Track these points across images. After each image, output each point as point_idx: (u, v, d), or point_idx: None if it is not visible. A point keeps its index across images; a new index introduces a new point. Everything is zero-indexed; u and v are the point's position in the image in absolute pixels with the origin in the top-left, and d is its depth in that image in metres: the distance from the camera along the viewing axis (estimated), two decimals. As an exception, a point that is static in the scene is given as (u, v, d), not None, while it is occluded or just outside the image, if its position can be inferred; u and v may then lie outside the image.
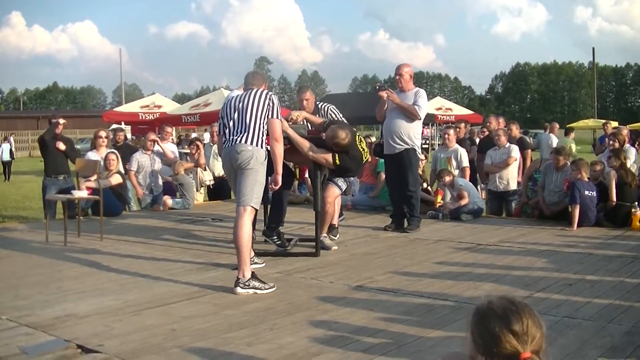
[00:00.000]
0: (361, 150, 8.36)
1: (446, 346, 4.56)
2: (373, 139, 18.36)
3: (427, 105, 10.16)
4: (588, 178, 9.93)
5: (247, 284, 6.25)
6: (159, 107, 28.81)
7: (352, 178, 9.14)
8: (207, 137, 28.48)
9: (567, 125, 23.38)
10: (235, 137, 6.67)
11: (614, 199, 9.84)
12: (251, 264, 6.60)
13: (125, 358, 4.46)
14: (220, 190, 14.25)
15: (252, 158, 6.53)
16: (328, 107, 9.28)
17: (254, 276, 6.33)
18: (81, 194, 9.89)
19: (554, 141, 20.34)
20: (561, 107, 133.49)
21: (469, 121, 18.54)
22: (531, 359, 2.33)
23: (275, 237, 8.35)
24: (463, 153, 12.34)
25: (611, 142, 11.42)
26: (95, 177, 10.54)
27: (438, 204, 11.40)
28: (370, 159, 9.20)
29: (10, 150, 33.80)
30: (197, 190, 13.82)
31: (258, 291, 6.25)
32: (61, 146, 11.75)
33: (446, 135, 12.77)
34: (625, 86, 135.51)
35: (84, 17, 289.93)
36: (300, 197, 13.35)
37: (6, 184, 28.06)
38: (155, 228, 10.47)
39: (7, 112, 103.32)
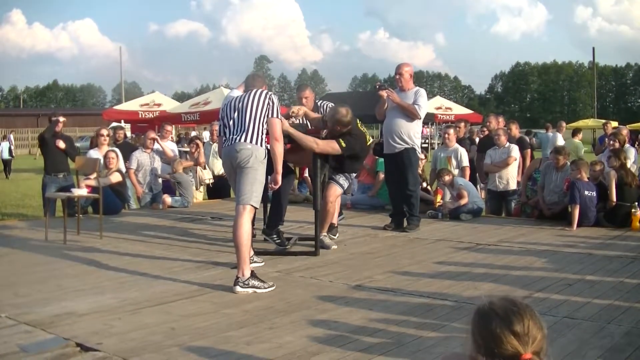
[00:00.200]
0: (362, 131, 8.40)
1: (445, 346, 4.55)
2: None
3: (427, 105, 10.16)
4: (588, 178, 9.92)
5: (246, 282, 6.25)
6: (159, 105, 28.85)
7: (353, 175, 9.13)
8: (206, 135, 28.51)
9: (568, 125, 23.27)
10: (235, 136, 6.67)
11: (614, 199, 9.83)
12: (250, 263, 6.59)
13: (124, 356, 4.45)
14: (219, 188, 14.25)
15: (251, 156, 6.53)
16: (327, 105, 9.27)
17: (253, 275, 6.33)
18: (81, 192, 9.89)
19: (560, 140, 20.31)
20: (561, 106, 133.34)
21: (468, 120, 18.53)
22: (532, 360, 2.32)
23: (274, 236, 8.35)
24: (463, 152, 12.33)
25: (611, 142, 11.41)
26: (94, 175, 10.53)
27: (438, 204, 11.40)
28: (371, 141, 9.20)
29: (10, 148, 33.79)
30: (196, 189, 13.82)
31: (257, 290, 6.24)
32: (61, 144, 11.75)
33: (446, 135, 12.76)
34: (625, 86, 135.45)
35: (84, 15, 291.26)
36: (300, 196, 13.34)
37: (6, 182, 28.03)
38: (154, 226, 10.47)
39: (7, 109, 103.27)
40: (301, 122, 8.92)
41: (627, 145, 12.43)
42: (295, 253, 8.21)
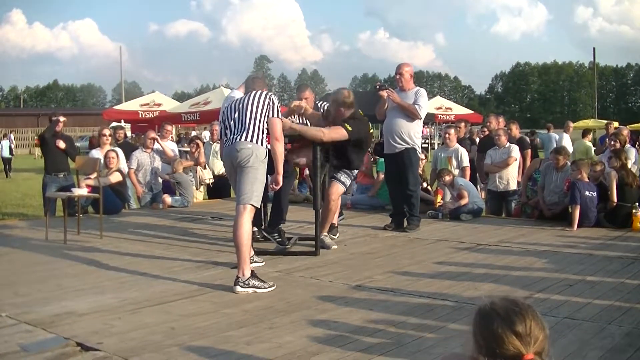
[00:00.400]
0: (364, 116, 8.46)
1: (445, 346, 4.55)
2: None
3: (427, 105, 10.16)
4: (588, 178, 9.92)
5: (246, 282, 6.25)
6: (159, 105, 28.88)
7: (355, 172, 9.13)
8: (206, 135, 28.52)
9: (570, 125, 23.20)
10: (235, 136, 6.68)
11: (615, 199, 9.83)
12: (251, 263, 6.59)
13: (125, 356, 4.45)
14: (220, 188, 14.25)
15: (251, 155, 6.52)
16: (327, 105, 9.27)
17: (253, 275, 6.33)
18: (81, 191, 9.90)
19: (567, 140, 20.27)
20: (561, 107, 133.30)
21: (469, 121, 18.52)
22: (534, 361, 2.32)
23: (276, 235, 8.35)
24: (463, 153, 12.33)
25: (612, 143, 11.42)
26: (95, 175, 10.53)
27: (438, 204, 11.40)
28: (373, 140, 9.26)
29: (10, 146, 33.83)
30: (196, 189, 13.82)
31: (257, 290, 6.24)
32: (61, 144, 11.76)
33: (447, 135, 12.76)
34: (625, 86, 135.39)
35: (84, 15, 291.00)
36: (300, 196, 13.34)
37: (6, 181, 28.04)
38: (154, 226, 10.47)
39: (7, 109, 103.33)
40: (301, 121, 8.92)
41: (627, 145, 12.44)
42: (296, 253, 8.21)
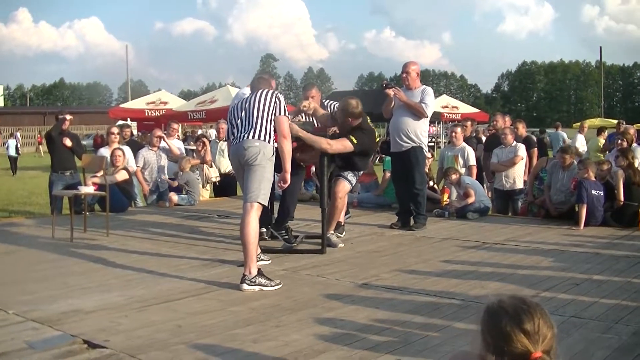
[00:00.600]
0: (371, 126, 8.44)
1: (452, 345, 4.55)
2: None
3: (433, 103, 10.13)
4: (595, 177, 9.90)
5: (253, 280, 6.25)
6: (165, 103, 28.86)
7: (360, 172, 9.13)
8: (212, 133, 28.54)
9: (575, 125, 23.24)
10: (242, 134, 6.68)
11: (622, 198, 9.80)
12: (257, 261, 6.59)
13: (131, 353, 4.46)
14: (226, 186, 14.26)
15: (259, 153, 6.52)
16: (334, 105, 9.27)
17: (260, 273, 6.33)
18: (87, 189, 9.91)
19: (581, 140, 20.24)
20: (567, 106, 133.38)
21: (475, 119, 18.49)
22: (542, 359, 2.32)
23: (283, 232, 8.35)
24: (470, 151, 12.31)
25: (619, 142, 11.40)
26: (101, 173, 10.54)
27: (444, 203, 11.39)
28: (379, 139, 9.23)
29: (17, 145, 33.89)
30: (203, 187, 13.81)
31: (264, 288, 6.24)
32: (67, 142, 11.77)
33: (453, 134, 12.74)
34: (632, 85, 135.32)
35: (90, 14, 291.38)
36: (307, 195, 13.33)
37: (12, 180, 28.09)
38: (161, 224, 10.48)
39: (14, 108, 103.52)
40: (308, 119, 8.93)
41: (634, 144, 12.41)
42: (302, 251, 8.21)
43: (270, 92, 6.90)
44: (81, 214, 10.02)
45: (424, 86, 9.92)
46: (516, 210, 11.83)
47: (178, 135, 16.97)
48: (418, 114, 9.62)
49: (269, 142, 6.64)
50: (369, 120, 8.60)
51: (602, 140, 18.58)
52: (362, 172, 9.39)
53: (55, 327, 5.07)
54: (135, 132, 24.77)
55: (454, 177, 11.23)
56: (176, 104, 29.17)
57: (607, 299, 5.82)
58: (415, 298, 5.96)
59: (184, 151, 14.29)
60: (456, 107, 35.76)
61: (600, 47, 78.56)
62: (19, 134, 42.46)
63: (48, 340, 4.76)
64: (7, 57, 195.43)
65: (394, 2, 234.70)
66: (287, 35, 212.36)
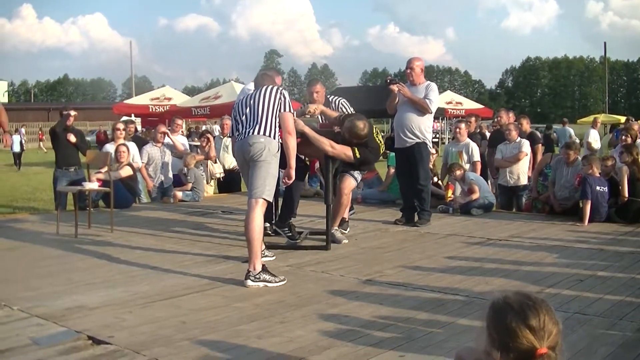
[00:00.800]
0: (378, 142, 8.40)
1: (456, 341, 4.54)
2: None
3: (438, 99, 10.12)
4: (599, 173, 9.89)
5: (257, 276, 6.25)
6: (169, 99, 28.90)
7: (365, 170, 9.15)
8: (216, 129, 28.55)
9: (580, 120, 23.24)
10: (247, 130, 6.67)
11: (626, 194, 9.79)
12: (262, 257, 6.59)
13: (136, 350, 4.46)
14: (230, 182, 14.26)
15: (264, 150, 6.52)
16: (339, 101, 9.26)
17: (264, 269, 6.33)
18: (92, 185, 9.91)
19: (595, 136, 20.21)
20: (572, 101, 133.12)
21: (479, 115, 18.47)
22: (547, 355, 2.31)
23: (286, 229, 8.36)
24: (474, 147, 12.30)
25: (623, 138, 11.38)
26: (105, 169, 10.55)
27: (449, 198, 11.38)
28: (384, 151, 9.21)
29: (21, 141, 33.95)
30: (207, 183, 13.81)
31: (268, 284, 6.25)
32: (72, 138, 11.78)
33: (457, 129, 12.73)
34: (636, 81, 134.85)
35: (94, 10, 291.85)
36: (311, 191, 13.32)
37: (17, 176, 28.13)
38: (165, 220, 10.48)
39: (18, 103, 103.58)
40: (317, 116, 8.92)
41: (639, 140, 12.37)
42: (306, 247, 8.21)
43: (275, 88, 6.90)
44: (85, 210, 10.02)
45: (428, 82, 9.91)
46: (520, 206, 11.82)
47: (182, 131, 16.97)
48: (422, 109, 9.61)
49: (274, 138, 6.64)
50: (375, 133, 8.54)
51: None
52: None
53: (59, 323, 5.08)
54: (139, 128, 24.81)
55: (458, 172, 11.22)
56: (180, 99, 29.21)
57: (611, 295, 5.82)
58: (419, 294, 5.97)
59: (188, 147, 14.29)
60: (460, 103, 35.80)
61: (605, 43, 78.30)
62: (23, 130, 42.55)
63: (53, 336, 4.76)
64: (11, 53, 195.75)
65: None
66: (291, 31, 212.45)
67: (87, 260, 7.57)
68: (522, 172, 11.74)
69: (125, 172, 11.71)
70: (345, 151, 8.11)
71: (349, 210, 9.50)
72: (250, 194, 6.56)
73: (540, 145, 13.08)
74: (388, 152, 11.61)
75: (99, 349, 4.51)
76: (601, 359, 4.29)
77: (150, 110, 28.56)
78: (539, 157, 12.34)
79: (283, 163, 6.89)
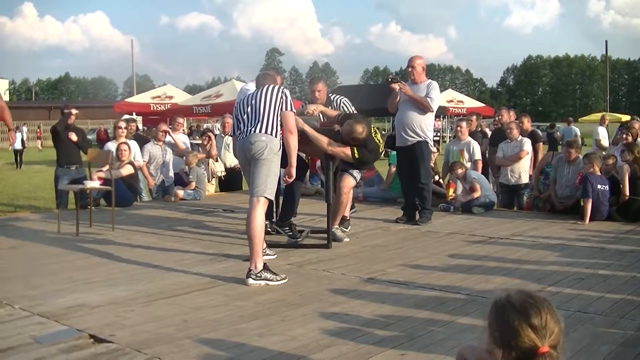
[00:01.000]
0: (377, 141, 8.40)
1: (457, 339, 4.55)
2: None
3: (439, 98, 10.12)
4: (600, 172, 9.89)
5: (258, 275, 6.25)
6: (170, 97, 28.92)
7: (364, 170, 9.15)
8: (217, 127, 28.56)
9: (581, 119, 23.22)
10: (249, 128, 6.68)
11: (627, 193, 9.79)
12: (263, 255, 6.59)
13: (137, 348, 4.46)
14: (231, 181, 14.27)
15: (265, 148, 6.53)
16: (341, 100, 9.25)
17: (265, 267, 6.33)
18: (93, 184, 9.91)
19: (603, 133, 20.19)
20: (573, 100, 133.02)
21: (480, 114, 18.46)
22: (549, 354, 2.32)
23: (287, 228, 8.36)
24: (476, 146, 12.30)
25: (624, 136, 11.38)
26: (107, 167, 10.55)
27: (450, 197, 11.37)
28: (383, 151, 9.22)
29: (22, 139, 33.95)
30: (208, 182, 13.82)
31: (269, 282, 6.25)
32: (73, 137, 11.78)
33: (459, 128, 12.74)
34: (637, 80, 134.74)
35: (95, 8, 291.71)
36: (311, 189, 13.33)
37: (18, 174, 28.15)
38: (166, 219, 10.49)
39: (20, 102, 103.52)
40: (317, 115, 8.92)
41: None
42: (308, 246, 8.21)
43: (277, 87, 6.91)
44: (87, 208, 10.02)
45: (430, 80, 9.90)
46: (521, 205, 11.82)
47: (183, 130, 16.98)
48: (424, 108, 9.61)
49: (276, 136, 6.64)
50: (374, 133, 8.53)
51: None
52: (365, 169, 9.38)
53: (61, 322, 5.08)
54: (140, 126, 24.82)
55: (460, 171, 11.22)
56: (181, 98, 29.22)
57: (612, 294, 5.82)
58: (420, 292, 5.97)
59: (189, 145, 14.30)
60: (461, 102, 35.77)
61: (606, 41, 78.01)
62: (24, 128, 42.57)
63: (54, 335, 4.77)
64: (13, 52, 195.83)
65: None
66: (293, 30, 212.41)
67: (89, 258, 7.57)
68: (523, 171, 11.74)
69: (127, 170, 11.72)
70: (344, 150, 8.12)
71: (350, 209, 9.51)
72: (252, 192, 6.56)
73: (541, 143, 13.08)
74: (389, 150, 11.61)
75: (100, 348, 4.51)
76: (602, 357, 4.29)
77: (152, 108, 28.57)
78: (540, 155, 12.33)
79: (284, 162, 6.89)
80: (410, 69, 9.91)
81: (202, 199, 12.84)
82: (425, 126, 9.71)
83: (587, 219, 9.61)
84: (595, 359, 4.26)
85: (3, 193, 19.71)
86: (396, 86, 9.65)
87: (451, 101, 34.73)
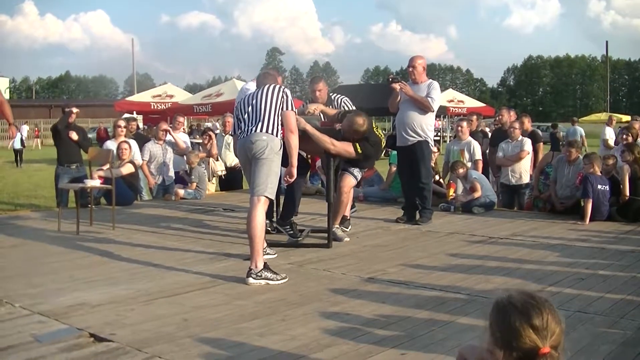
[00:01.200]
0: (378, 135, 8.41)
1: (458, 339, 4.55)
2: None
3: (440, 98, 10.12)
4: (601, 172, 9.89)
5: (259, 274, 6.26)
6: (171, 96, 28.92)
7: (365, 169, 9.16)
8: (217, 125, 28.57)
9: (581, 119, 23.22)
10: (250, 127, 6.68)
11: (627, 193, 9.79)
12: (263, 255, 6.59)
13: (138, 347, 4.47)
14: (232, 180, 14.27)
15: (266, 147, 6.53)
16: (342, 99, 9.27)
17: (266, 267, 6.34)
18: (93, 183, 9.92)
19: (610, 133, 20.19)
20: (573, 100, 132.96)
21: (481, 114, 18.46)
22: (550, 355, 2.32)
23: (287, 227, 8.36)
24: (476, 145, 12.30)
25: (624, 137, 11.38)
26: (107, 166, 10.55)
27: (450, 197, 11.37)
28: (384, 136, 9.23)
29: (21, 138, 33.95)
30: (209, 181, 13.82)
31: (270, 282, 6.25)
32: (74, 136, 11.79)
33: (459, 128, 12.74)
34: (638, 80, 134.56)
35: (96, 7, 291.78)
36: (312, 188, 13.33)
37: (18, 172, 28.14)
38: (167, 218, 10.49)
39: (20, 100, 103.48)
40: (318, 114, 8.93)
41: (640, 139, 12.37)
42: (308, 245, 8.21)
43: (278, 86, 6.91)
44: (87, 207, 10.02)
45: (431, 80, 9.90)
46: (522, 205, 11.81)
47: (183, 129, 16.99)
48: (424, 108, 9.61)
49: (277, 136, 6.65)
50: (375, 127, 8.55)
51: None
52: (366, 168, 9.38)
53: (61, 321, 5.09)
54: (141, 125, 24.82)
55: (461, 170, 11.22)
56: (182, 97, 29.22)
57: (612, 294, 5.82)
58: (420, 292, 5.97)
59: (189, 145, 14.29)
60: (462, 101, 35.82)
61: (607, 42, 78.05)
62: (24, 127, 42.57)
63: (54, 334, 4.77)
64: (13, 50, 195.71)
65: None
66: (293, 29, 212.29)
67: (89, 257, 7.58)
68: (524, 171, 11.74)
69: (127, 169, 11.72)
70: (346, 148, 8.13)
71: (351, 208, 9.51)
72: (253, 191, 6.57)
73: (541, 143, 13.07)
74: (390, 150, 11.60)
75: (100, 347, 4.52)
76: (602, 357, 4.30)
77: (152, 107, 28.57)
78: (540, 155, 12.32)
79: (285, 161, 6.90)
80: (411, 69, 9.91)
81: (202, 198, 12.84)
82: (425, 126, 9.71)
83: (587, 219, 9.62)
84: (595, 359, 4.26)
85: (3, 191, 19.71)
86: (397, 86, 9.66)
87: (452, 101, 34.77)
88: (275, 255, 7.48)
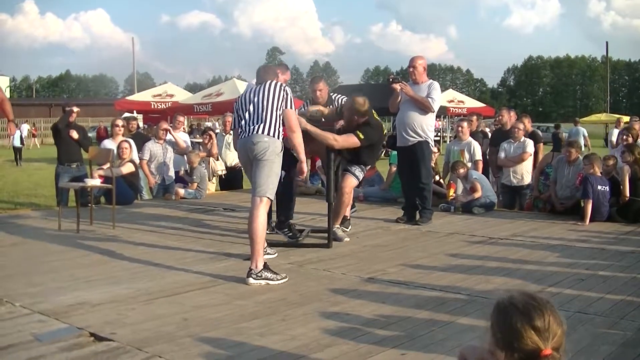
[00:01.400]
0: (378, 120, 8.44)
1: (458, 339, 4.55)
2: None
3: (440, 98, 10.12)
4: (601, 172, 9.89)
5: (259, 274, 6.26)
6: (171, 96, 28.94)
7: (367, 167, 9.16)
8: (217, 125, 28.57)
9: (581, 120, 23.24)
10: (251, 127, 6.66)
11: (627, 194, 9.79)
12: (263, 255, 6.59)
13: (138, 346, 4.47)
14: (232, 180, 14.27)
15: (268, 149, 6.52)
16: (342, 99, 9.27)
17: (266, 267, 6.34)
18: (94, 182, 9.92)
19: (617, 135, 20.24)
20: (573, 101, 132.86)
21: (481, 114, 18.46)
22: (552, 356, 2.32)
23: (286, 230, 8.37)
24: (476, 146, 12.30)
25: (624, 137, 11.38)
26: (107, 165, 10.55)
27: (451, 197, 11.37)
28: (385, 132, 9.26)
29: (21, 136, 33.97)
30: (209, 180, 13.82)
31: (270, 282, 6.25)
32: (74, 135, 11.79)
33: (460, 128, 12.75)
34: (638, 81, 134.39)
35: (96, 6, 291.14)
36: (312, 188, 13.34)
37: (18, 171, 28.15)
38: (167, 217, 10.49)
39: (20, 99, 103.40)
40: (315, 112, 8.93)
41: (640, 140, 12.37)
42: (308, 245, 8.21)
43: (278, 84, 6.88)
44: (87, 206, 10.02)
45: (431, 80, 9.90)
46: (522, 206, 11.81)
47: (184, 128, 16.99)
48: (424, 108, 9.61)
49: (278, 137, 6.64)
50: (375, 115, 8.60)
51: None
52: (368, 167, 9.38)
53: (61, 320, 5.08)
54: (141, 124, 24.82)
55: (461, 171, 11.22)
56: (182, 96, 29.24)
57: (612, 295, 5.82)
58: (420, 292, 5.97)
59: (189, 144, 14.30)
60: (462, 102, 35.80)
61: (607, 42, 78.08)
62: (24, 125, 42.58)
63: (54, 333, 4.77)
64: (14, 49, 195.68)
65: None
66: (293, 29, 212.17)
67: (89, 256, 7.58)
68: (526, 172, 11.73)
69: (127, 168, 11.73)
70: (349, 139, 8.16)
71: (351, 208, 9.51)
72: (254, 192, 6.57)
73: (541, 144, 13.06)
74: (390, 150, 11.61)
75: (101, 346, 4.52)
76: (602, 358, 4.30)
77: (152, 106, 28.58)
78: (541, 156, 12.32)
79: (285, 162, 6.90)
80: (411, 69, 9.91)
81: (202, 198, 12.84)
82: (426, 126, 9.71)
83: (588, 220, 9.62)
84: (595, 360, 4.27)
85: (3, 190, 19.72)
86: (397, 86, 9.66)
87: (452, 101, 34.75)
88: (276, 255, 7.48)
